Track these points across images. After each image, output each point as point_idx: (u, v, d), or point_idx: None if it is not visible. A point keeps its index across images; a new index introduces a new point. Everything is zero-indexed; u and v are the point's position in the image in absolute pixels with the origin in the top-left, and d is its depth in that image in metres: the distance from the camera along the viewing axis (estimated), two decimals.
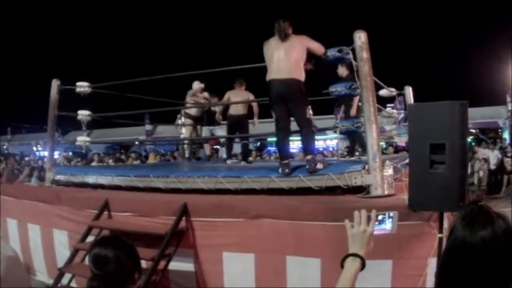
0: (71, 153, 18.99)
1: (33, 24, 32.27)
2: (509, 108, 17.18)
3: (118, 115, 7.32)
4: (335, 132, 4.56)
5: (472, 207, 1.23)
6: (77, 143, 6.45)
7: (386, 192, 3.76)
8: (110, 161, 13.57)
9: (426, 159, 2.90)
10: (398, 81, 7.38)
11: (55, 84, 6.12)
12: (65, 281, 4.18)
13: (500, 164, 12.75)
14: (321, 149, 16.35)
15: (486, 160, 12.50)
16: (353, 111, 6.31)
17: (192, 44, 30.23)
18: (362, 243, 1.44)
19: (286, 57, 4.18)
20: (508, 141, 15.94)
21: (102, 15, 31.92)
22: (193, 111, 8.27)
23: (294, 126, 4.44)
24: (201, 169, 5.87)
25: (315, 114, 5.97)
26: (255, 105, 7.26)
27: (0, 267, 1.20)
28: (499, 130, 19.04)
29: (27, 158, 19.10)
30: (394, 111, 7.88)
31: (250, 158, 8.21)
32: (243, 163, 6.99)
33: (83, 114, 6.11)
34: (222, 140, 9.33)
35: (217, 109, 7.90)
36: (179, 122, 8.87)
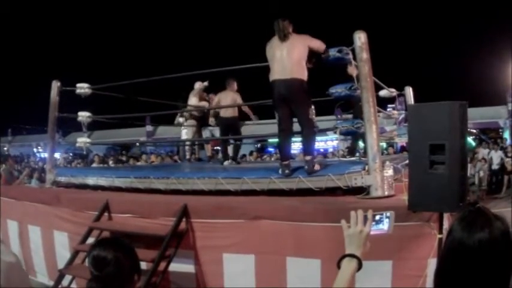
0: (71, 155, 19.01)
1: (34, 26, 32.33)
2: (510, 108, 17.14)
3: (118, 117, 7.33)
4: (335, 133, 4.56)
5: (470, 209, 1.23)
6: (77, 145, 6.44)
7: (386, 193, 3.76)
8: (111, 162, 13.56)
9: (426, 160, 2.89)
10: (398, 82, 7.40)
11: (55, 85, 6.12)
12: (65, 282, 4.18)
13: (501, 164, 12.76)
14: (321, 150, 16.33)
15: (486, 160, 12.50)
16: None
17: (192, 45, 30.26)
18: (359, 244, 1.44)
19: (288, 57, 4.17)
20: (508, 141, 15.93)
21: (102, 17, 31.97)
22: (196, 111, 8.31)
23: (296, 127, 4.44)
24: (201, 170, 5.87)
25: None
26: (245, 107, 7.39)
27: (0, 274, 1.19)
28: (500, 130, 19.01)
29: (26, 160, 19.10)
30: (395, 111, 7.87)
31: (251, 159, 8.26)
32: (231, 162, 7.07)
33: (83, 115, 6.11)
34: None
35: (211, 112, 7.97)
36: (180, 120, 8.88)
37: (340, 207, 3.42)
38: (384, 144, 10.68)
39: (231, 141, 7.46)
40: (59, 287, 4.13)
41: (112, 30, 31.49)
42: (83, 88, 6.11)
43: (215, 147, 10.78)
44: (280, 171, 4.25)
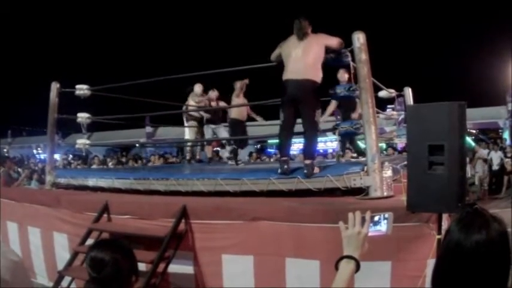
0: (71, 156, 18.99)
1: (33, 27, 32.33)
2: (509, 108, 17.12)
3: (118, 117, 7.33)
4: (334, 133, 4.56)
5: (468, 210, 1.23)
6: (77, 146, 6.45)
7: (385, 194, 3.76)
8: (111, 163, 13.56)
9: (425, 160, 2.88)
10: (397, 82, 7.39)
11: (54, 87, 6.13)
12: (64, 283, 4.18)
13: (501, 165, 12.75)
14: (321, 151, 16.31)
15: (486, 160, 12.49)
16: (355, 115, 6.25)
17: (192, 45, 30.27)
18: (357, 245, 1.44)
19: (303, 57, 4.19)
20: (508, 142, 15.91)
21: (101, 18, 31.97)
22: (196, 113, 8.31)
23: (298, 128, 4.44)
24: (200, 171, 5.87)
25: None
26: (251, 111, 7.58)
27: (6, 272, 1.20)
28: (499, 130, 18.99)
29: (26, 162, 19.09)
30: (394, 112, 7.89)
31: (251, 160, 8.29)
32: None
33: (83, 117, 6.12)
34: (223, 142, 9.33)
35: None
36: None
37: (339, 208, 3.42)
38: (384, 145, 10.68)
39: (232, 142, 7.49)
40: None
41: (111, 31, 31.51)
42: (82, 89, 6.12)
43: (215, 148, 10.78)
44: (279, 167, 4.26)
